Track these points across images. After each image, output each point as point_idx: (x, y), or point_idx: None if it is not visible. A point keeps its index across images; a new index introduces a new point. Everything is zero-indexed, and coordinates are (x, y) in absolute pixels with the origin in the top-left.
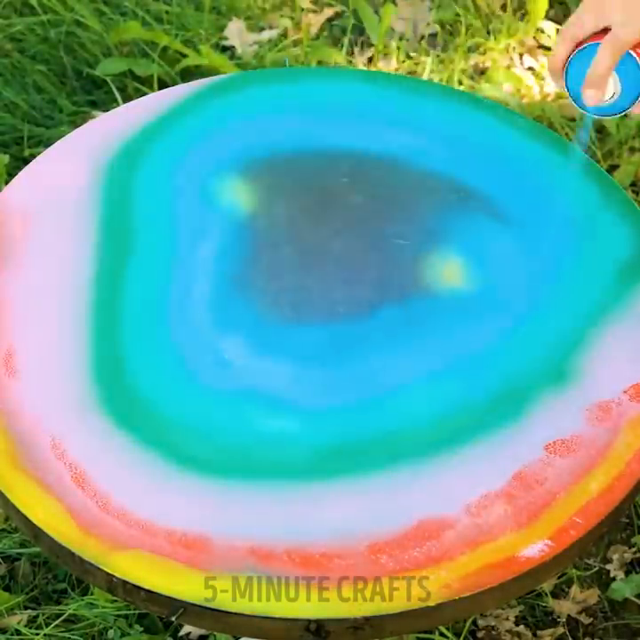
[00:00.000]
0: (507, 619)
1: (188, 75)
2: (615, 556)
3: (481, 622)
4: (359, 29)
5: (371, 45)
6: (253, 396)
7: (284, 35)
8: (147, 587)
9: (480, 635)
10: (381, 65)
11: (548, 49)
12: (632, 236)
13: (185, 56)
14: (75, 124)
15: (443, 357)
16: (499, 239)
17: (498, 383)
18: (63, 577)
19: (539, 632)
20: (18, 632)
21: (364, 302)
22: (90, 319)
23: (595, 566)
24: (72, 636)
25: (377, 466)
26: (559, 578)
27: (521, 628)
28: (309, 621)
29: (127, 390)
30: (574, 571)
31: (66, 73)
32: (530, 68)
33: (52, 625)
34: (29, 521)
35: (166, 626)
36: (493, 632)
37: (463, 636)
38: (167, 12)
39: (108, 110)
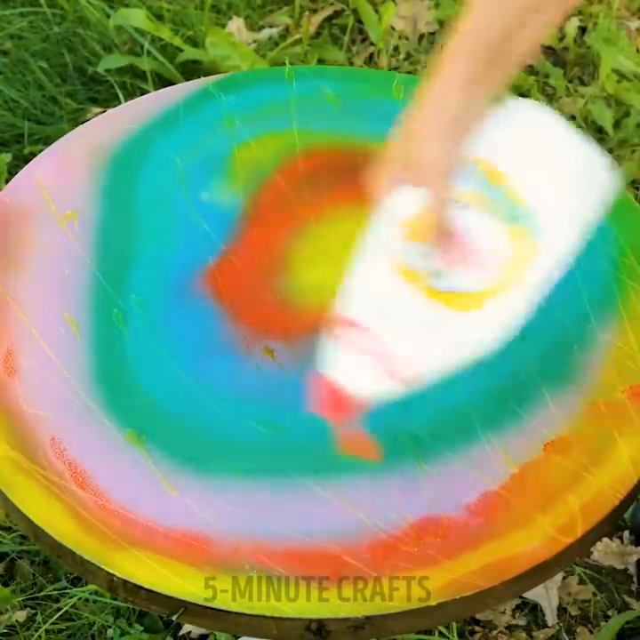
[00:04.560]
0: (503, 612)
1: (188, 72)
2: None
3: (478, 615)
4: (359, 28)
5: (371, 44)
6: (254, 396)
7: (284, 33)
8: (147, 586)
9: (476, 631)
10: (381, 63)
11: (549, 48)
12: (632, 235)
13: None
14: (75, 122)
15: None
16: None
17: (497, 383)
18: (62, 576)
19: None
20: (17, 630)
21: None
22: (90, 318)
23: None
24: (71, 633)
25: (377, 465)
26: (564, 578)
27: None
28: (311, 621)
29: (127, 389)
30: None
31: (66, 70)
32: (530, 66)
33: (51, 621)
34: (30, 520)
35: (166, 625)
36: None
37: (459, 631)
38: (168, 11)
39: (108, 107)
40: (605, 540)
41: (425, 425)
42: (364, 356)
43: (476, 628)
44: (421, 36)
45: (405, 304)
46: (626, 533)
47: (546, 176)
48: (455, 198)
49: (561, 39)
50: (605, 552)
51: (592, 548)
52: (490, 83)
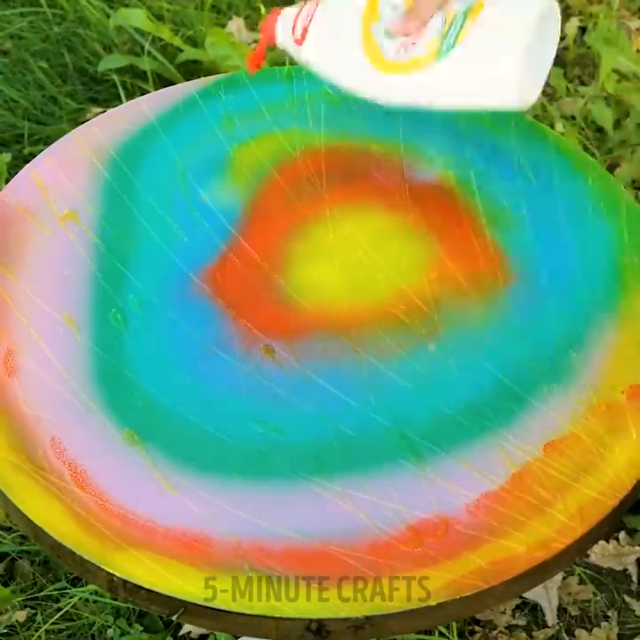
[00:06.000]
0: (503, 612)
1: (188, 72)
2: None
3: (478, 615)
4: None
5: None
6: (255, 395)
7: None
8: (147, 586)
9: (476, 631)
10: None
11: None
12: (631, 236)
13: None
14: (75, 122)
15: (442, 357)
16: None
17: (497, 383)
18: (62, 576)
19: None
20: (17, 630)
21: None
22: (89, 318)
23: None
24: (71, 633)
25: (377, 465)
26: (564, 578)
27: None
28: (311, 621)
29: (127, 389)
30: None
31: (66, 70)
32: None
33: (51, 621)
34: (30, 520)
35: (166, 625)
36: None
37: (459, 631)
38: (168, 11)
39: (108, 107)
40: (602, 542)
41: (425, 425)
42: (297, 16)
43: (476, 628)
44: None
45: (348, 34)
46: (622, 534)
47: None
48: None
49: (561, 39)
50: (602, 555)
51: (589, 551)
52: None
